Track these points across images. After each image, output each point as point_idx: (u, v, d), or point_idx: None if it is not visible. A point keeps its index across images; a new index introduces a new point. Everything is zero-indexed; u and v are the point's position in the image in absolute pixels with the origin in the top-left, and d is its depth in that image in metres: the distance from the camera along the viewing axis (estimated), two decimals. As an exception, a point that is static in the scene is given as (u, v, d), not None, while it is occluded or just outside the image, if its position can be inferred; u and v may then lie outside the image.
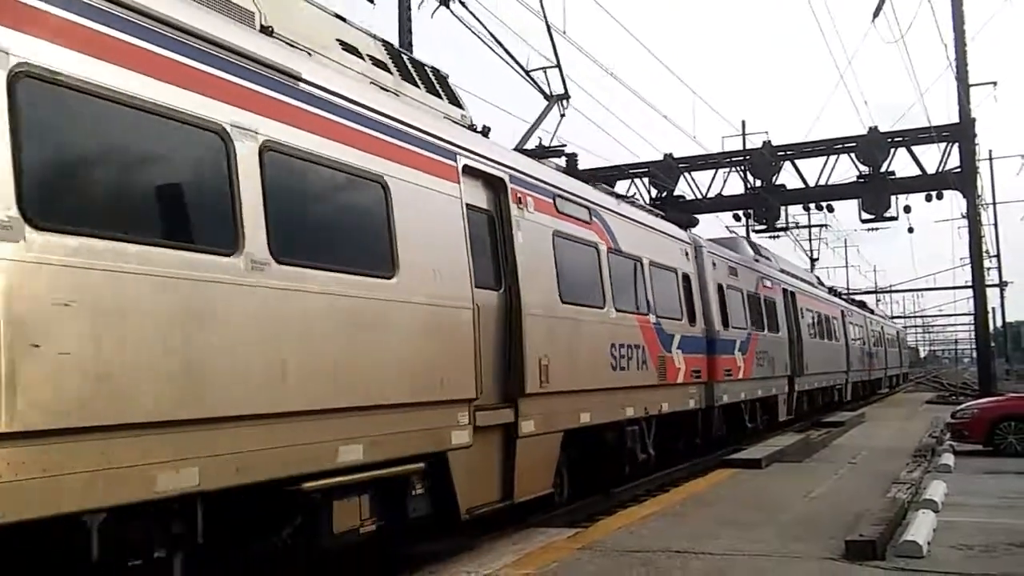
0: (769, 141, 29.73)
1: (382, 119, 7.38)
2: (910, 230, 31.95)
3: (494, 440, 8.64)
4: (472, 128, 9.79)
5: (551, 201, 10.31)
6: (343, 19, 8.29)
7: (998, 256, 49.63)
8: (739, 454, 14.73)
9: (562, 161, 13.02)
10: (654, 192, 30.42)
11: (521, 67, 14.05)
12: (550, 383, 9.38)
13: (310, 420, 6.13)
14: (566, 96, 14.25)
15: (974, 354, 47.69)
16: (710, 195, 30.11)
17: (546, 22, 13.55)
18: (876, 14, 23.17)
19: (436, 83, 9.41)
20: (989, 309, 35.24)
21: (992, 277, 46.30)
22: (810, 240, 50.81)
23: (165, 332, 5.07)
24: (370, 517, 6.89)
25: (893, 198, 27.98)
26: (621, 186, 28.62)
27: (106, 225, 4.86)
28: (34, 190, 4.45)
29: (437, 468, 7.65)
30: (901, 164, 27.78)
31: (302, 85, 6.50)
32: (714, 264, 16.71)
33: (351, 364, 6.56)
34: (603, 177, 27.31)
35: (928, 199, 27.69)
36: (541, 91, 14.15)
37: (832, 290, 38.05)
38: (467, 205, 8.43)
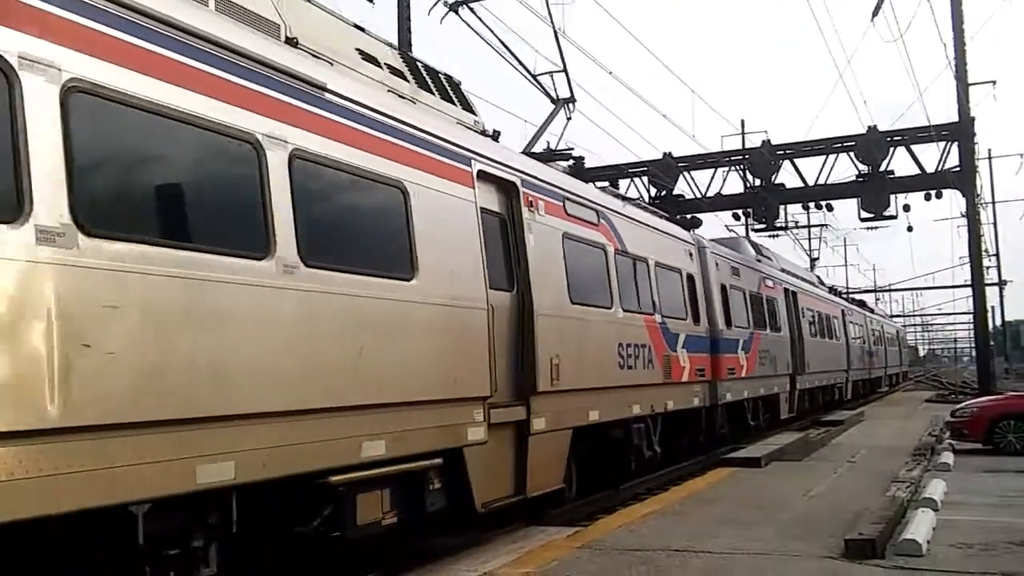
0: (768, 140, 29.90)
1: (401, 126, 7.65)
2: (909, 229, 32.07)
3: (507, 437, 8.90)
4: (484, 133, 10.05)
5: (560, 204, 10.57)
6: (362, 29, 8.56)
7: (997, 255, 49.94)
8: (738, 453, 14.85)
9: (568, 163, 13.28)
10: (653, 191, 30.53)
11: (528, 72, 14.29)
12: (561, 382, 9.65)
13: (336, 416, 6.40)
14: (572, 100, 14.49)
15: (973, 353, 47.91)
16: (709, 194, 30.27)
17: (554, 29, 13.82)
18: (875, 13, 23.33)
19: (450, 90, 9.68)
20: (988, 308, 35.50)
21: (991, 276, 46.63)
22: (809, 239, 51.10)
23: (203, 333, 5.34)
24: (391, 510, 7.14)
25: (892, 197, 28.11)
26: (620, 185, 28.86)
27: (149, 231, 5.14)
28: (85, 198, 4.71)
29: (453, 463, 7.90)
30: (900, 163, 28.05)
31: (327, 95, 6.77)
32: (717, 264, 16.97)
33: (374, 362, 6.82)
34: (603, 176, 27.66)
35: (927, 198, 27.82)
36: (548, 95, 14.39)
37: (832, 289, 38.31)
38: (481, 209, 8.69)
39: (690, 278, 15.34)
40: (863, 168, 28.06)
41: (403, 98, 8.45)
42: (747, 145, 33.19)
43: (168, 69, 5.36)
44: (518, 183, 9.54)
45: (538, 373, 9.22)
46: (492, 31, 13.50)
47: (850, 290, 57.64)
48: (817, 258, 52.09)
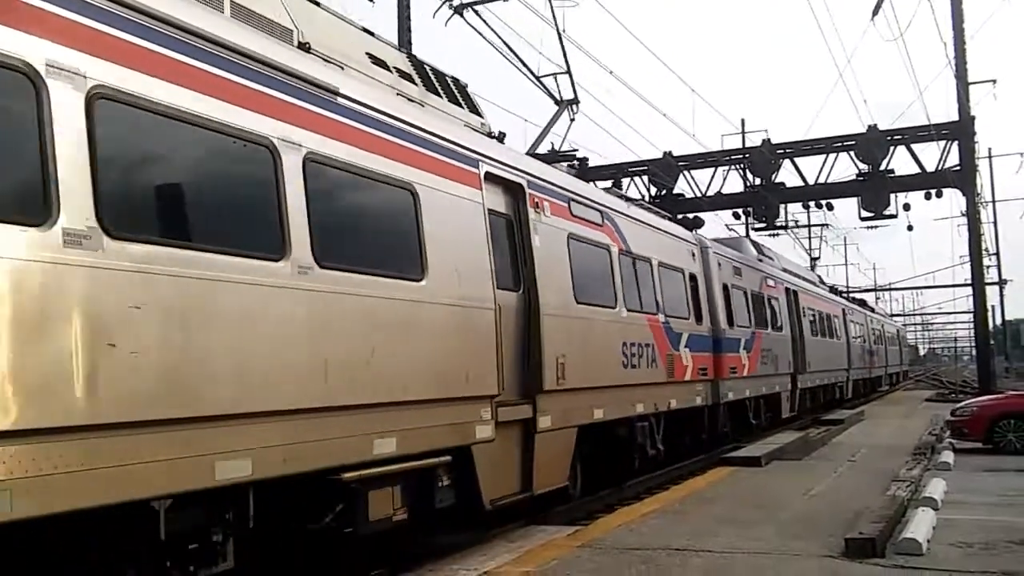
0: (768, 139, 29.96)
1: (411, 129, 7.78)
2: (909, 228, 32.13)
3: (514, 435, 9.03)
4: (491, 135, 10.18)
5: (566, 205, 10.71)
6: (371, 33, 8.69)
7: (997, 254, 50.00)
8: (739, 452, 14.87)
9: (568, 164, 13.39)
10: (653, 190, 30.57)
11: (532, 74, 14.41)
12: (566, 380, 9.78)
13: (349, 414, 6.54)
14: (576, 101, 14.61)
15: (973, 352, 47.98)
16: (709, 193, 30.31)
17: (558, 32, 13.93)
18: (875, 12, 23.41)
19: (457, 92, 9.81)
20: (988, 307, 35.57)
21: (991, 275, 46.70)
22: (809, 238, 51.18)
23: (221, 332, 5.47)
24: (401, 506, 7.26)
25: (892, 196, 28.18)
26: (620, 184, 28.89)
27: (169, 234, 5.28)
28: (109, 202, 4.84)
29: (462, 461, 8.03)
30: (900, 162, 28.10)
31: (339, 99, 6.91)
32: (719, 264, 17.11)
33: (385, 361, 6.95)
34: (603, 175, 27.71)
35: (927, 197, 27.88)
36: (552, 96, 14.52)
37: (833, 289, 38.43)
38: (488, 210, 8.82)
39: (693, 278, 15.47)
40: (863, 167, 28.13)
41: (412, 101, 8.58)
42: (747, 144, 33.19)
43: (187, 74, 5.50)
44: (524, 184, 9.67)
45: (544, 372, 9.35)
46: (497, 33, 13.61)
47: (850, 289, 57.76)
48: (818, 257, 52.20)
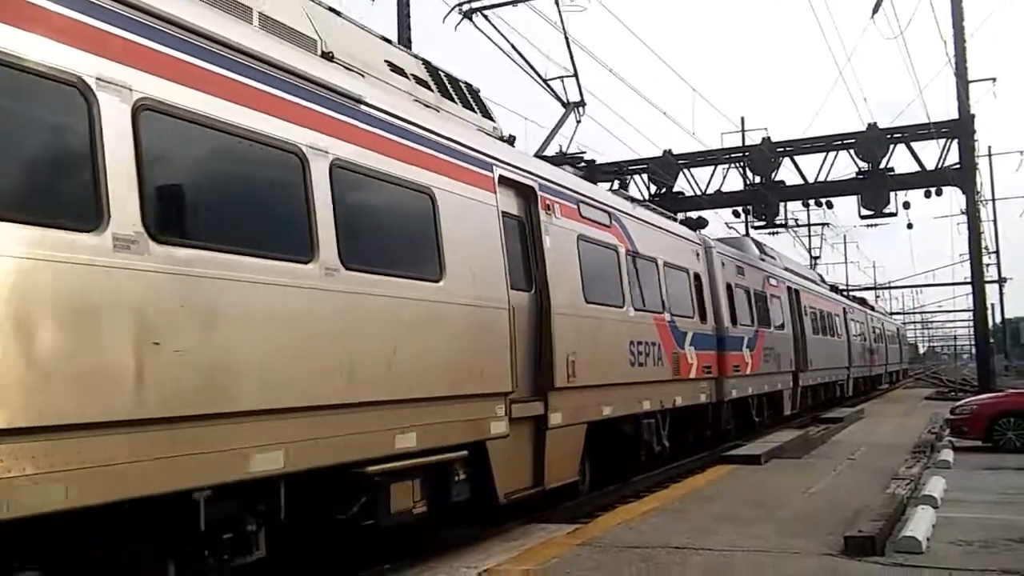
0: (768, 137, 30.03)
1: (429, 135, 8.05)
2: (909, 226, 32.16)
3: (526, 431, 9.30)
4: (502, 139, 10.45)
5: (575, 207, 10.97)
6: (388, 41, 8.96)
7: (997, 252, 50.09)
8: (738, 450, 14.91)
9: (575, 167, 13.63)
10: (653, 188, 30.64)
11: (539, 76, 14.67)
12: (576, 378, 10.04)
13: (373, 410, 6.81)
14: (582, 103, 14.88)
15: (973, 350, 48.21)
16: (709, 191, 30.40)
17: (565, 36, 14.18)
18: (875, 10, 23.32)
19: (470, 97, 10.08)
20: (988, 305, 35.78)
21: (991, 273, 46.84)
22: (809, 237, 51.38)
23: (256, 331, 5.74)
24: (421, 499, 7.53)
25: (892, 194, 28.24)
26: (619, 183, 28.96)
27: (209, 238, 5.54)
28: (154, 208, 5.11)
29: (477, 456, 8.30)
30: (900, 160, 28.02)
31: (363, 107, 7.18)
32: (723, 264, 17.37)
33: (406, 359, 7.21)
34: (603, 174, 27.80)
35: (927, 195, 27.93)
36: (559, 99, 14.77)
37: (834, 287, 38.68)
38: (502, 212, 9.09)
39: (697, 277, 15.74)
40: (863, 165, 28.18)
41: (428, 107, 8.85)
42: (747, 142, 33.17)
43: (223, 86, 5.77)
44: (536, 187, 9.94)
45: (555, 370, 9.62)
46: (505, 37, 13.87)
47: (850, 287, 58.01)
48: (818, 256, 52.41)
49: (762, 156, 29.30)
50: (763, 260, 21.88)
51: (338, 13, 8.30)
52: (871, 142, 27.80)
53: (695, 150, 31.10)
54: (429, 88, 9.17)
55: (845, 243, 66.87)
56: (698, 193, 30.48)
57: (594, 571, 7.02)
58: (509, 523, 9.39)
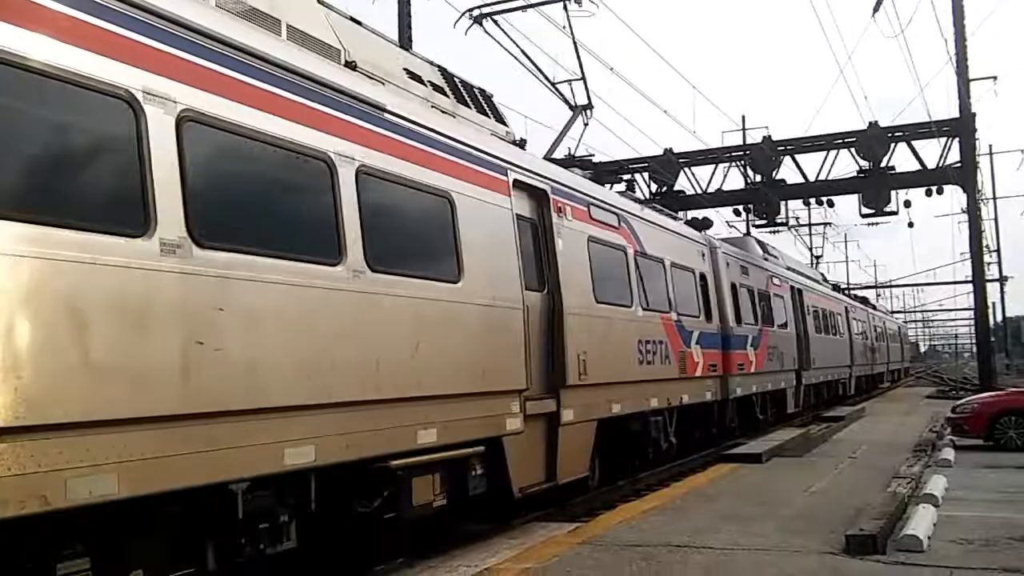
0: (769, 136, 30.12)
1: (447, 141, 8.33)
2: (910, 225, 32.17)
3: (540, 427, 9.58)
4: (515, 143, 10.72)
5: (586, 209, 11.25)
6: (407, 49, 9.22)
7: (998, 251, 50.17)
8: (739, 449, 14.96)
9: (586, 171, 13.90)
10: (654, 187, 30.74)
11: (548, 80, 14.92)
12: (587, 376, 10.32)
13: (397, 407, 7.10)
14: (589, 106, 15.13)
15: (974, 349, 48.33)
16: (710, 190, 30.52)
17: (573, 41, 14.42)
18: (876, 9, 23.43)
19: (484, 103, 10.36)
20: (989, 304, 35.96)
21: (992, 272, 46.98)
22: (811, 236, 51.53)
23: (289, 331, 6.03)
24: (440, 492, 7.82)
25: (893, 193, 28.34)
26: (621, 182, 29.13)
27: (247, 242, 5.82)
28: (196, 214, 5.39)
29: (493, 451, 8.58)
30: (901, 159, 28.11)
31: (386, 114, 7.46)
32: (727, 264, 17.63)
33: (427, 357, 7.49)
34: (603, 172, 27.99)
35: (928, 194, 28.03)
36: (567, 102, 15.03)
37: (836, 286, 38.91)
38: (516, 215, 9.37)
39: (703, 277, 16.01)
40: (864, 164, 28.27)
41: (444, 112, 9.12)
42: (748, 141, 33.05)
43: (257, 97, 6.06)
44: (548, 191, 10.22)
45: (567, 368, 9.90)
46: (514, 42, 14.12)
47: (851, 286, 58.18)
48: (820, 255, 52.60)
49: (763, 155, 29.39)
50: (766, 260, 22.12)
51: (358, 22, 8.57)
52: (872, 141, 27.88)
53: (696, 149, 31.21)
54: (445, 94, 9.45)
55: (846, 242, 67.09)
56: (699, 192, 30.56)
57: (595, 570, 7.03)
58: (514, 520, 9.53)
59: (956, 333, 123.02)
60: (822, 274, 39.71)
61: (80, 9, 4.92)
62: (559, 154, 14.51)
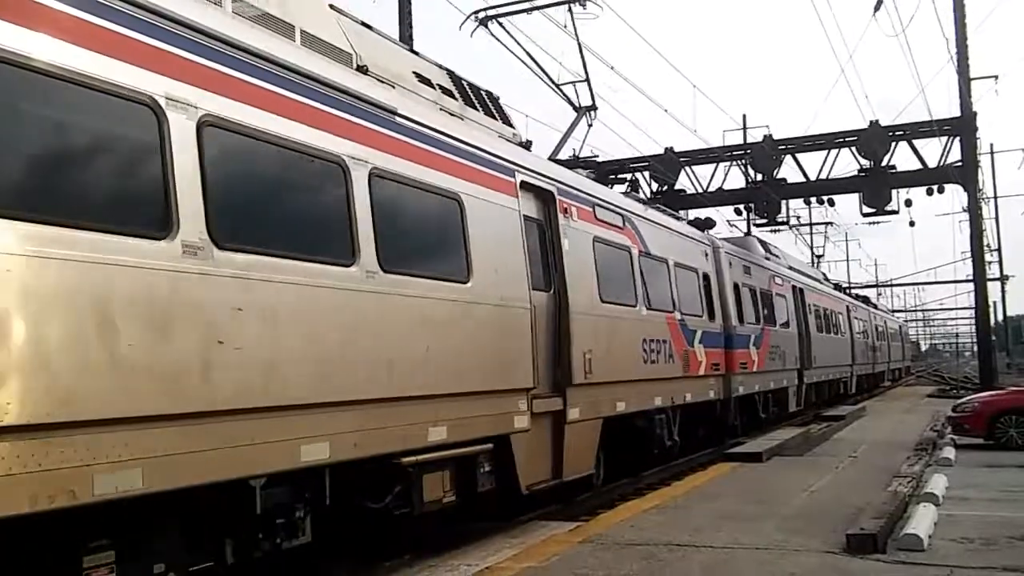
0: (770, 135, 30.24)
1: (457, 143, 8.47)
2: (911, 224, 32.42)
3: (547, 425, 9.71)
4: (521, 145, 10.86)
5: (591, 210, 11.38)
6: (416, 53, 9.36)
7: (999, 250, 50.16)
8: (740, 448, 15.05)
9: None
10: (655, 186, 30.85)
11: (552, 82, 15.05)
12: (593, 375, 10.46)
13: (408, 405, 7.24)
14: (593, 108, 15.26)
15: (975, 348, 48.44)
16: (711, 189, 30.65)
17: (578, 43, 14.54)
18: (877, 8, 23.54)
19: (491, 105, 10.50)
20: (990, 303, 36.05)
21: (993, 271, 47.03)
22: (811, 235, 51.63)
23: (305, 330, 6.16)
24: (450, 489, 7.95)
25: (894, 192, 28.47)
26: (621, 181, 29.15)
27: (265, 244, 5.95)
28: (217, 216, 5.53)
29: (501, 449, 8.71)
30: (902, 158, 28.19)
31: (397, 118, 7.60)
32: (730, 263, 17.78)
33: (437, 356, 7.63)
34: (603, 171, 28.06)
35: (929, 193, 28.15)
36: (571, 104, 15.16)
37: (837, 286, 39.03)
38: (523, 216, 9.50)
39: (706, 277, 16.15)
40: (865, 163, 28.38)
41: (453, 115, 9.25)
42: (749, 140, 33.27)
43: (274, 101, 6.19)
44: (554, 192, 10.35)
45: (573, 367, 10.03)
46: (520, 44, 14.25)
47: (852, 285, 58.26)
48: (821, 255, 52.71)
49: (764, 154, 29.50)
50: (768, 259, 22.25)
51: (368, 26, 8.71)
52: (873, 139, 28.00)
53: (697, 148, 31.27)
54: (454, 97, 9.58)
55: (847, 241, 67.22)
56: (700, 191, 30.65)
57: (595, 568, 7.06)
58: (515, 519, 9.62)
59: (957, 332, 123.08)
60: (823, 273, 39.84)
61: (111, 20, 5.06)
62: (564, 155, 14.65)
